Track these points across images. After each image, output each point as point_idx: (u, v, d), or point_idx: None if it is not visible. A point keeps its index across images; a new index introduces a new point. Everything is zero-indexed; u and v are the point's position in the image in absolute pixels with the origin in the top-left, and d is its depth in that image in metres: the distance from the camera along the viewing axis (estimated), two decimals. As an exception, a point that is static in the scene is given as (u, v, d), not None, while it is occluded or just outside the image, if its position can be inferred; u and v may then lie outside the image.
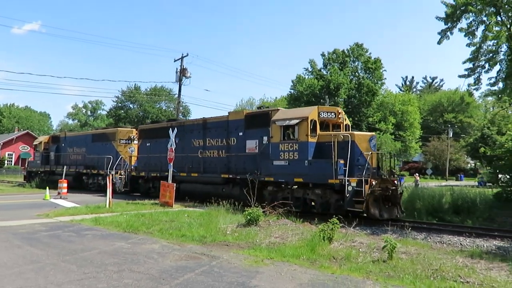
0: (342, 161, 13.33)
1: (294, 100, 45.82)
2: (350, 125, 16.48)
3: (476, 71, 22.25)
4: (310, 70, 49.43)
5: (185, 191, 19.30)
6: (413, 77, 75.96)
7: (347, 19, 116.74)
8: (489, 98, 39.05)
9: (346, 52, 48.55)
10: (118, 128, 28.45)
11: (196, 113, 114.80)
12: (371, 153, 13.77)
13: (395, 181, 14.03)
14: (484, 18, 20.92)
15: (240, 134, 17.49)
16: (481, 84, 22.46)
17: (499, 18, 20.44)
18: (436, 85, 76.33)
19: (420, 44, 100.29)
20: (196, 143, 19.75)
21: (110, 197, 16.57)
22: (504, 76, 21.34)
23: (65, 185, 21.97)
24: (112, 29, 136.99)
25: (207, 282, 6.39)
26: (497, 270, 7.78)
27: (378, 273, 7.47)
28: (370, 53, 48.41)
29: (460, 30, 21.55)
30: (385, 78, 53.57)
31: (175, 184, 17.73)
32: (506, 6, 19.73)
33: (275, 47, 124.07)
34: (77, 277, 6.55)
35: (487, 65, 21.88)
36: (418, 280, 6.93)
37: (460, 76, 23.35)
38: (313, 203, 14.76)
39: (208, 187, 18.16)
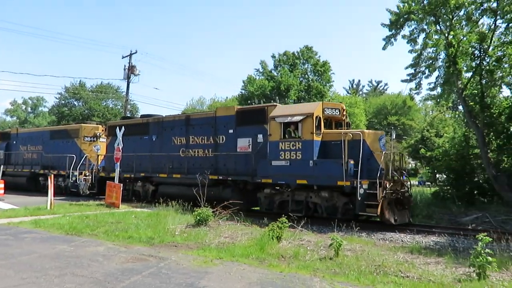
0: (352, 162, 12.54)
1: (245, 100, 45.97)
2: (350, 123, 15.74)
3: (417, 77, 23.43)
4: (261, 71, 49.85)
5: (165, 193, 17.01)
6: (359, 81, 78.79)
7: (298, 22, 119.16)
8: (429, 102, 41.14)
9: (296, 54, 49.44)
10: (82, 124, 25.75)
11: (145, 112, 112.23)
12: (384, 153, 12.79)
13: (406, 183, 13.34)
14: (425, 27, 22.09)
15: (230, 131, 16.12)
16: (422, 88, 23.69)
17: (438, 27, 21.66)
18: (381, 88, 79.56)
19: (367, 49, 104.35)
20: (178, 141, 18.14)
21: (52, 198, 15.78)
22: (442, 82, 22.65)
23: (2, 185, 20.65)
24: (54, 22, 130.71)
25: (154, 284, 6.26)
26: (434, 264, 8.23)
27: (325, 270, 7.67)
28: (319, 56, 49.60)
29: (403, 37, 22.61)
30: (333, 81, 55.18)
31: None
32: (445, 16, 20.95)
33: (227, 47, 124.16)
34: (14, 283, 6.18)
35: (427, 71, 23.10)
36: (362, 276, 7.20)
37: (402, 81, 24.53)
38: (314, 207, 13.83)
39: (193, 190, 15.72)
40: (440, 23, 21.48)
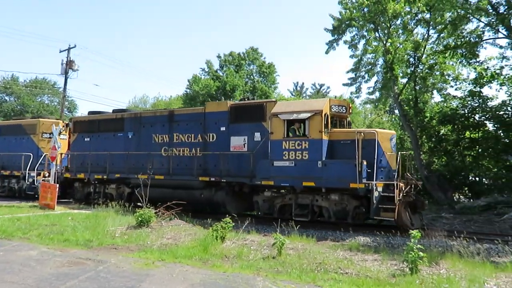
0: (365, 163, 11.86)
1: (190, 100, 45.44)
2: (351, 121, 15.17)
3: (357, 81, 24.47)
4: (207, 70, 49.57)
5: (149, 196, 16.03)
6: (303, 83, 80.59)
7: (243, 23, 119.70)
8: (368, 106, 43.09)
9: (242, 55, 49.65)
10: (40, 119, 22.54)
11: (84, 109, 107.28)
12: (399, 153, 12.43)
13: (419, 185, 12.81)
14: (365, 33, 23.11)
15: (222, 129, 14.88)
16: (361, 92, 24.79)
17: (377, 35, 22.73)
18: (323, 91, 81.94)
19: (311, 52, 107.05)
20: (159, 138, 16.48)
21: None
22: (380, 87, 23.80)
23: None
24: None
25: (92, 289, 6.01)
26: (371, 261, 8.61)
27: (268, 269, 7.77)
28: (264, 58, 50.16)
29: (345, 42, 23.52)
30: (278, 83, 56.09)
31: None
32: (383, 24, 22.02)
33: (171, 45, 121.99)
34: None
35: (366, 76, 24.21)
36: (304, 274, 7.37)
37: (344, 85, 25.53)
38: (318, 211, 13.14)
39: (179, 192, 14.77)
40: (379, 30, 22.56)
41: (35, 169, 20.11)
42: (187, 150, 15.74)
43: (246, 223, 11.11)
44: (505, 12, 18.84)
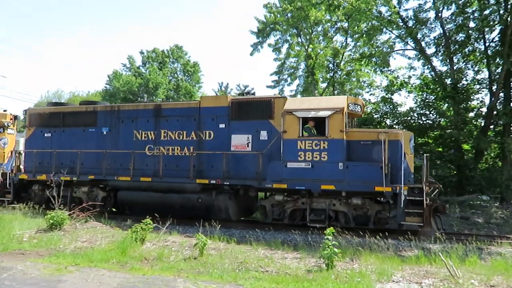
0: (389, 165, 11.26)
1: (109, 96, 43.48)
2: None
3: (280, 83, 25.18)
4: (128, 66, 47.78)
5: (128, 202, 14.25)
6: (228, 84, 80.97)
7: (168, 21, 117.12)
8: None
9: (166, 52, 48.62)
10: None
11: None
12: (425, 155, 11.60)
13: (441, 189, 12.40)
14: (288, 38, 23.90)
15: (222, 126, 13.60)
16: (284, 94, 25.50)
17: (299, 40, 23.59)
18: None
19: (237, 53, 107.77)
20: (142, 135, 14.73)
21: None
22: (301, 90, 24.70)
23: None
24: None
25: (-6, 299, 5.50)
26: (291, 259, 8.88)
27: (189, 270, 7.69)
28: (189, 57, 49.61)
29: (269, 45, 24.12)
30: (203, 82, 55.86)
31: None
32: (305, 30, 22.91)
33: (90, 39, 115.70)
34: None
35: (289, 79, 25.03)
36: (226, 273, 7.40)
37: (268, 87, 26.02)
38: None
39: (171, 196, 13.45)
40: (302, 36, 23.45)
41: None
42: (177, 148, 14.10)
43: (168, 224, 10.88)
44: (413, 26, 20.58)
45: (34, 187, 16.02)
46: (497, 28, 19.09)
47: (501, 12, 18.08)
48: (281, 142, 12.28)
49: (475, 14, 19.39)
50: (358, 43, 22.76)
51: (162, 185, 13.65)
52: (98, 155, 14.91)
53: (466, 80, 20.50)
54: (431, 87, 20.77)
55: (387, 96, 22.20)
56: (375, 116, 22.05)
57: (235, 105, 13.48)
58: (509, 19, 17.63)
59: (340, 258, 8.09)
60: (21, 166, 16.68)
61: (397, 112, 21.25)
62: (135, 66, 47.82)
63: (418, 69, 22.14)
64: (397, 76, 22.61)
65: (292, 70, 24.92)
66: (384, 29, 21.23)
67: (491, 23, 18.75)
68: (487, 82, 19.67)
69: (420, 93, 21.16)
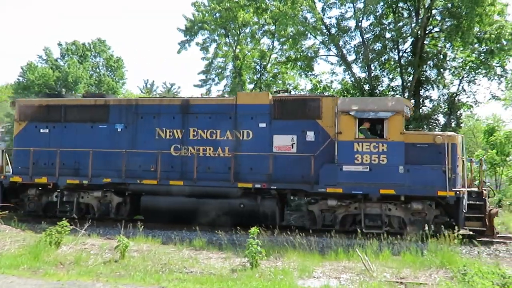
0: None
1: (23, 89, 40.24)
2: None
3: (207, 83, 25.07)
4: (45, 58, 44.62)
5: (153, 208, 12.72)
6: (153, 81, 78.94)
7: (89, 12, 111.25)
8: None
9: (87, 45, 46.12)
10: None
11: None
12: (481, 159, 11.80)
13: (495, 192, 12.16)
14: (216, 38, 23.87)
15: (262, 125, 12.71)
16: (211, 94, 25.47)
17: (227, 40, 23.67)
18: (174, 91, 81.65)
19: (163, 50, 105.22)
20: (167, 134, 13.35)
21: None
22: (229, 90, 24.81)
23: None
24: None
25: None
26: (216, 258, 8.90)
27: (109, 273, 7.38)
28: (113, 51, 47.54)
29: (197, 44, 23.90)
30: (127, 78, 53.79)
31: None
32: (233, 31, 23.05)
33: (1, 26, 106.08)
34: None
35: (216, 79, 24.99)
36: (148, 276, 7.21)
37: (195, 86, 25.77)
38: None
39: (207, 202, 12.32)
40: (230, 36, 23.55)
41: None
42: (209, 149, 12.96)
43: (86, 226, 10.33)
44: (335, 34, 21.62)
45: (29, 191, 13.69)
46: (410, 40, 20.72)
47: (413, 25, 19.63)
48: (335, 143, 11.69)
49: (391, 26, 20.87)
50: (284, 47, 23.40)
51: (196, 189, 12.47)
52: (113, 155, 13.18)
53: (382, 87, 21.99)
54: (351, 92, 21.96)
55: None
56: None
57: (278, 104, 12.69)
58: (419, 32, 19.19)
59: (264, 257, 8.25)
60: (8, 167, 14.30)
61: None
62: (53, 58, 44.79)
63: (340, 75, 23.37)
64: (321, 80, 23.64)
65: (220, 70, 24.95)
66: (309, 35, 22.05)
67: (404, 35, 20.29)
68: (400, 89, 21.25)
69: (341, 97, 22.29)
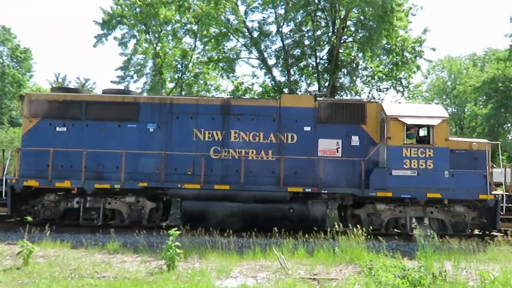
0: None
1: None
2: None
3: (126, 80, 24.11)
4: None
5: (197, 214, 11.92)
6: (66, 75, 74.10)
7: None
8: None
9: (-12, 33, 41.98)
10: None
11: None
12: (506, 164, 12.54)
13: None
14: (136, 33, 23.03)
15: (307, 129, 12.59)
16: (131, 90, 24.52)
17: (148, 37, 22.98)
18: (89, 86, 77.41)
19: (77, 43, 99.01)
20: (206, 135, 12.69)
21: None
22: (148, 88, 24.10)
23: None
24: None
25: None
26: (131, 262, 8.59)
27: (10, 282, 6.79)
28: (19, 41, 43.78)
29: (115, 38, 22.85)
30: (35, 71, 49.94)
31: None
32: (154, 28, 22.42)
33: None
34: None
35: (135, 76, 24.12)
36: (55, 283, 6.76)
37: (112, 82, 24.64)
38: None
39: (254, 207, 11.91)
40: (150, 33, 22.87)
41: None
42: (252, 152, 12.56)
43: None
44: (257, 37, 22.04)
45: (48, 197, 12.18)
46: (326, 48, 21.79)
47: (330, 34, 20.68)
48: (385, 148, 11.97)
49: (309, 33, 21.78)
50: (206, 47, 23.33)
51: (243, 194, 12.03)
52: (145, 158, 12.40)
53: (300, 91, 22.85)
54: (271, 95, 22.52)
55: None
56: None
57: (324, 107, 12.73)
58: (335, 40, 20.27)
59: (183, 259, 8.14)
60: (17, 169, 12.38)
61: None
62: None
63: (261, 78, 23.82)
64: (242, 82, 23.93)
65: (139, 67, 24.08)
66: (232, 37, 22.22)
67: (322, 42, 21.30)
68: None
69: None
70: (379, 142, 12.30)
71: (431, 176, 11.79)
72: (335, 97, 21.99)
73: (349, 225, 10.77)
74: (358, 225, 9.94)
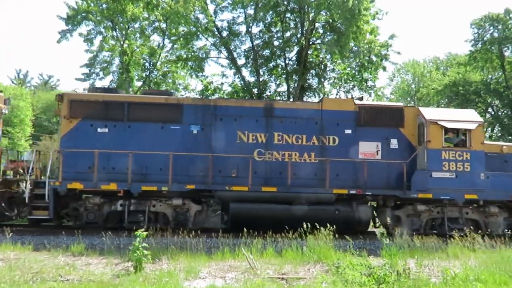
0: None
1: None
2: None
3: (91, 77, 23.49)
4: None
5: (245, 216, 11.77)
6: (27, 72, 71.53)
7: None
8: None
9: None
10: None
11: None
12: None
13: None
14: (102, 30, 22.47)
15: (347, 132, 12.89)
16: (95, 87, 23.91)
17: (115, 33, 22.46)
18: (52, 83, 74.99)
19: (40, 39, 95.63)
20: (249, 137, 12.71)
21: None
22: (115, 86, 23.54)
23: None
24: None
25: None
26: (96, 264, 8.37)
27: (-35, 288, 6.47)
28: (-23, 34, 41.86)
29: (80, 34, 22.22)
30: (-5, 66, 47.98)
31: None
32: (121, 25, 21.96)
33: None
34: None
35: (101, 73, 23.52)
36: (16, 287, 6.50)
37: (77, 79, 23.95)
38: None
39: (300, 209, 11.88)
40: (117, 30, 22.38)
41: None
42: (295, 154, 12.68)
43: None
44: (227, 37, 22.00)
45: (93, 200, 11.84)
46: (295, 49, 22.00)
47: (299, 35, 20.89)
48: (425, 151, 12.40)
49: (279, 34, 21.93)
50: (175, 45, 23.06)
51: (290, 195, 12.14)
52: (190, 159, 12.27)
53: (270, 92, 22.98)
54: (241, 95, 22.53)
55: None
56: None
57: (364, 111, 13.02)
58: (304, 42, 20.51)
59: (150, 260, 8.02)
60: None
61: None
62: None
63: (230, 77, 23.78)
64: (211, 81, 23.80)
65: (106, 64, 23.51)
66: (201, 36, 22.07)
67: (291, 44, 21.49)
68: (286, 95, 22.43)
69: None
70: (416, 145, 12.86)
71: (468, 178, 12.39)
72: (304, 98, 22.26)
73: (388, 226, 11.47)
74: (397, 226, 10.59)
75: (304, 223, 10.04)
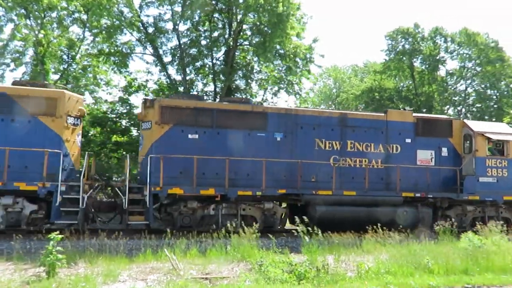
0: None
1: None
2: None
3: (1, 67, 21.57)
4: None
5: (330, 218, 12.68)
6: None
7: None
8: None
9: None
10: (66, 91, 12.39)
11: None
12: None
13: None
14: (14, 17, 20.72)
15: (408, 141, 14.55)
16: (5, 82, 21.95)
17: (29, 22, 20.82)
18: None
19: None
20: (326, 145, 13.80)
21: None
22: (28, 79, 21.80)
23: None
24: None
25: None
26: (2, 270, 7.74)
27: None
28: None
29: (-11, 21, 20.33)
30: None
31: None
32: (36, 13, 20.41)
33: None
34: None
35: (13, 64, 21.66)
36: None
37: (-18, 69, 21.81)
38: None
39: (376, 211, 13.22)
40: (31, 19, 20.77)
41: (61, 178, 11.17)
42: (364, 161, 14.00)
43: None
44: (152, 33, 21.42)
45: (190, 204, 12.15)
46: (223, 49, 22.03)
47: (226, 36, 20.96)
48: (473, 159, 14.47)
49: (206, 34, 21.81)
50: (97, 39, 21.92)
51: (368, 199, 13.40)
52: (273, 165, 12.88)
53: (197, 91, 22.77)
54: (166, 92, 22.05)
55: (124, 97, 22.28)
56: (112, 116, 21.74)
57: (421, 122, 14.76)
58: (231, 43, 20.62)
59: (65, 264, 7.54)
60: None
61: (134, 113, 21.59)
62: None
63: (156, 75, 23.21)
64: (136, 78, 23.00)
65: (18, 55, 21.68)
66: (125, 30, 21.25)
67: (219, 43, 21.48)
68: (213, 95, 22.37)
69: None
70: (462, 153, 14.89)
71: (506, 182, 14.75)
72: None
73: (439, 224, 12.42)
74: (446, 224, 11.90)
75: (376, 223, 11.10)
